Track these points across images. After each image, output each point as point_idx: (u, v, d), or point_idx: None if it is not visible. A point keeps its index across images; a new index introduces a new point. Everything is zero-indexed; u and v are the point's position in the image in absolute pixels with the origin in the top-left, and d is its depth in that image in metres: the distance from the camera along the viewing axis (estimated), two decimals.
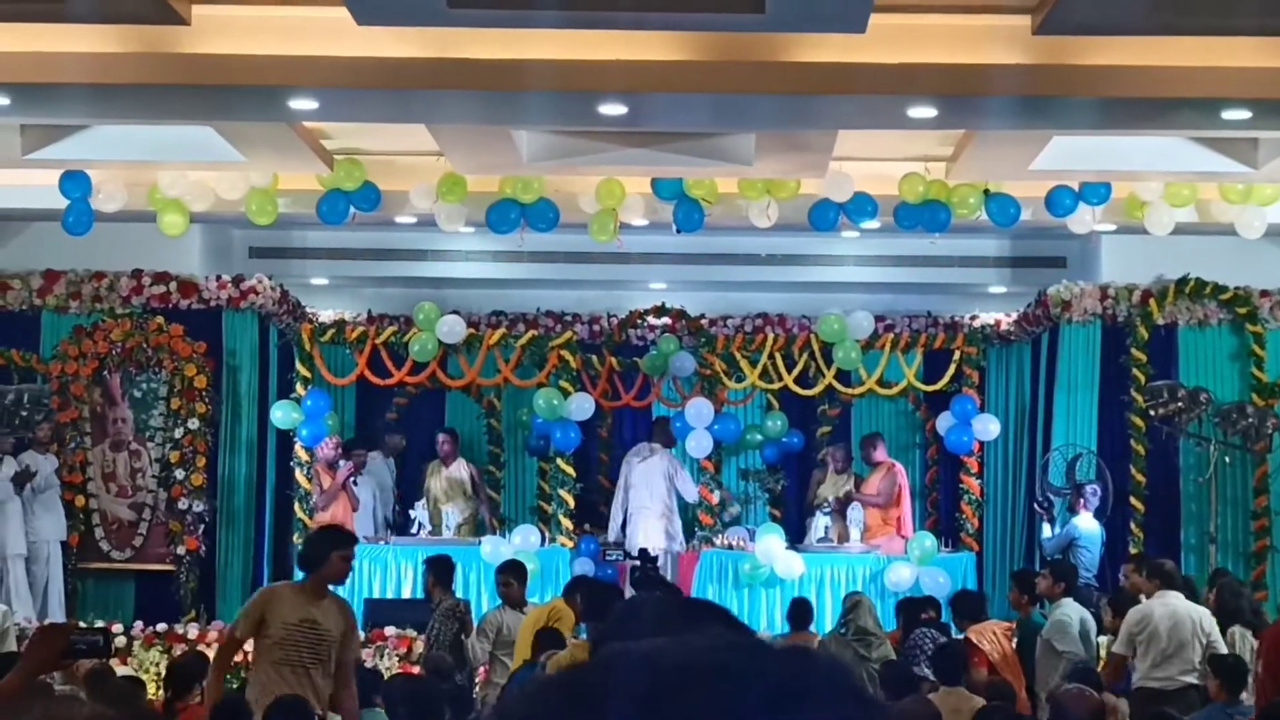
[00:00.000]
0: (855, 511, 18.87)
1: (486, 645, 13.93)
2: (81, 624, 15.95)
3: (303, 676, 9.68)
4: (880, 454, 19.07)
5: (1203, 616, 12.73)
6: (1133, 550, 17.91)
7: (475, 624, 14.29)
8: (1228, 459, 18.35)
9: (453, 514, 18.75)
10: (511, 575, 14.53)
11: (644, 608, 3.12)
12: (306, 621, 9.76)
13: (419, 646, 15.47)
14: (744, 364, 19.30)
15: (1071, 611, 13.82)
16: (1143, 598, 13.54)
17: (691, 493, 19.01)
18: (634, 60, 11.86)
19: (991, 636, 13.65)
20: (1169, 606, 12.70)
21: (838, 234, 18.12)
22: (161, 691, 12.06)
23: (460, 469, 19.35)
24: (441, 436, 19.53)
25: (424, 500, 19.04)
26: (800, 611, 14.95)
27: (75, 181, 16.21)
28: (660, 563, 17.36)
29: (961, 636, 14.06)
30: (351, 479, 18.90)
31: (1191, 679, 12.44)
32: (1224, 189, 16.48)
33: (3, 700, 4.89)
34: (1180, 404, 18.23)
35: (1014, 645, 13.81)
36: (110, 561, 18.71)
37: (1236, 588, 14.44)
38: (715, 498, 19.29)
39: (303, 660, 9.73)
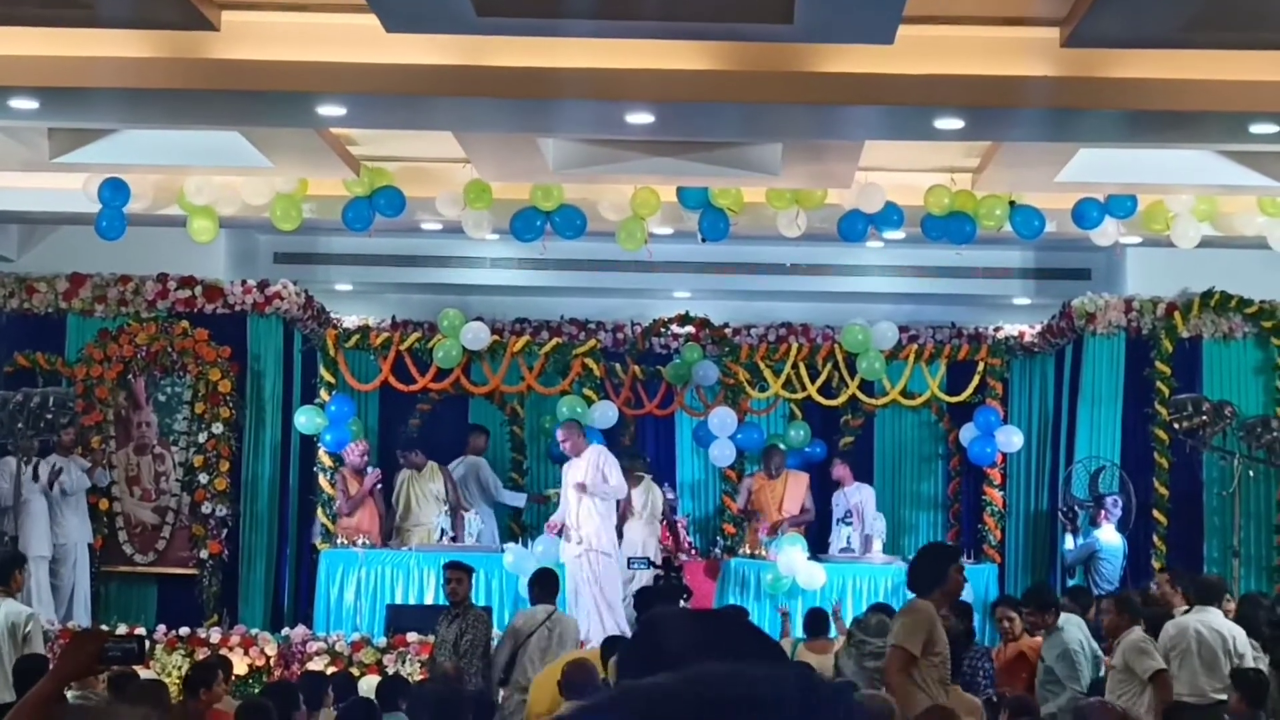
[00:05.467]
0: (879, 522, 18.87)
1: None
2: (110, 629, 16.01)
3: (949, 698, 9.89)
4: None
5: (1236, 635, 12.68)
6: (1155, 564, 17.88)
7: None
8: (1252, 473, 18.30)
9: (442, 520, 18.64)
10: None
11: (667, 623, 3.13)
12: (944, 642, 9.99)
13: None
14: (767, 373, 19.29)
15: (1074, 638, 13.52)
16: (1177, 613, 13.50)
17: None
18: (662, 69, 11.87)
19: (1035, 654, 13.55)
20: (1205, 623, 12.66)
21: (862, 244, 18.11)
22: (181, 693, 12.08)
23: (437, 475, 19.33)
24: (416, 451, 19.49)
25: (395, 507, 19.14)
26: (817, 621, 14.94)
27: (115, 188, 16.25)
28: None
29: (988, 648, 13.99)
30: (378, 485, 18.93)
31: (1222, 695, 12.39)
32: (1262, 202, 16.46)
33: (38, 707, 4.89)
34: (1204, 417, 18.19)
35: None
36: (133, 565, 18.75)
37: (1257, 601, 14.37)
38: (737, 506, 19.36)
39: (948, 681, 9.99)
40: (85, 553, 18.21)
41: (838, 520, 19.11)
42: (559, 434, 18.19)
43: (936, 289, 21.02)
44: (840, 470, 19.60)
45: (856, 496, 19.41)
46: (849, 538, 18.67)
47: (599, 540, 17.35)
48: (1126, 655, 12.15)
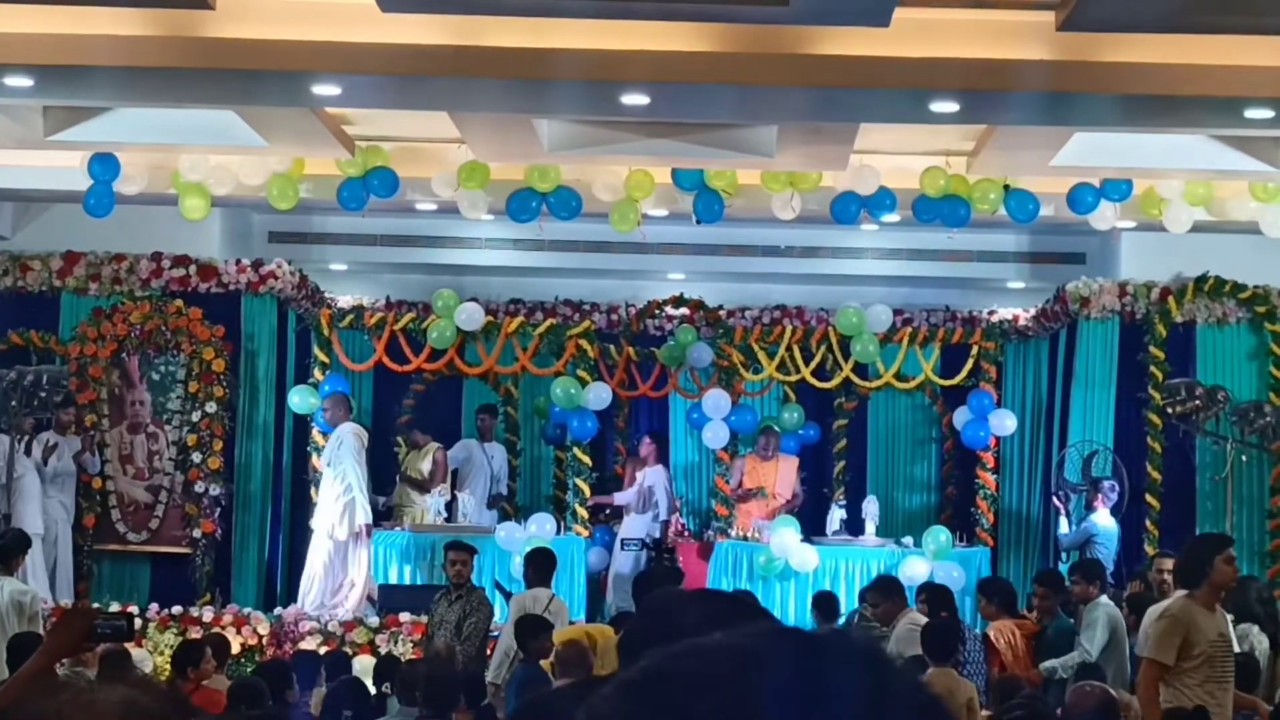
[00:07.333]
0: (871, 505, 18.88)
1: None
2: (100, 606, 16.00)
3: (1228, 692, 9.68)
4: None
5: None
6: (1149, 549, 17.87)
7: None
8: (1245, 458, 18.32)
9: (435, 500, 18.62)
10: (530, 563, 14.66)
11: (673, 604, 3.15)
12: (1223, 636, 9.73)
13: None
14: (761, 356, 19.30)
15: (1102, 614, 13.68)
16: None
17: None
18: (657, 50, 11.86)
19: (1009, 635, 13.59)
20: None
21: (857, 227, 18.12)
22: (171, 671, 12.11)
23: (427, 455, 19.30)
24: (416, 431, 19.50)
25: (394, 489, 19.11)
26: (827, 604, 14.92)
27: (104, 164, 16.25)
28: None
29: (980, 632, 14.00)
30: None
31: None
32: (1254, 187, 16.47)
33: (27, 683, 4.90)
34: (1198, 402, 18.21)
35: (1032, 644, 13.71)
36: (126, 543, 18.74)
37: (1245, 583, 14.40)
38: (730, 488, 19.34)
39: (1226, 676, 9.69)
40: (67, 531, 18.23)
41: (834, 504, 19.18)
42: (323, 403, 18.20)
43: (931, 272, 21.03)
44: (646, 449, 19.56)
45: (654, 478, 19.33)
46: (842, 520, 18.70)
47: (324, 517, 17.52)
48: (900, 645, 12.13)
